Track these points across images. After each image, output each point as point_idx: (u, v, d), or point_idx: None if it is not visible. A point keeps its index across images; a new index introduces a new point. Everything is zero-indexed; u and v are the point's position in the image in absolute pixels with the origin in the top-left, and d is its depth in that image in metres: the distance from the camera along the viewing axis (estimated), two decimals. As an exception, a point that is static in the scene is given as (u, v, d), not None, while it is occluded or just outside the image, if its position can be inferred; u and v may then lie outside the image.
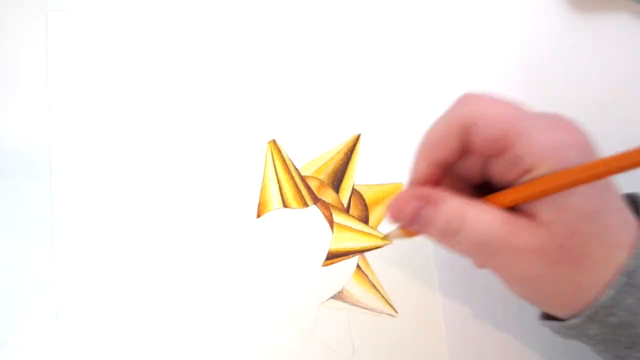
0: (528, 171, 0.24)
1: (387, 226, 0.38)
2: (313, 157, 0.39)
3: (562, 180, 0.23)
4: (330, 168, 0.38)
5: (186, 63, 0.40)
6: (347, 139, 0.39)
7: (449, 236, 0.26)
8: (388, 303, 0.37)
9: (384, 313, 0.37)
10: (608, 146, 0.39)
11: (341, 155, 0.39)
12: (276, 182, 0.38)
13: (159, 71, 0.40)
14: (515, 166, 0.24)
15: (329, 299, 0.37)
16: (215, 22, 0.41)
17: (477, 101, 0.25)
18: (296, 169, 0.38)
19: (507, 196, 0.25)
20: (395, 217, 0.27)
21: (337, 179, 0.38)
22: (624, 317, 0.25)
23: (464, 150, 0.26)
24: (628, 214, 0.26)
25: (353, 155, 0.39)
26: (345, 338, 0.37)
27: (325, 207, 0.38)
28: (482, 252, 0.26)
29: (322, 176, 0.38)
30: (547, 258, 0.24)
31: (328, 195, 0.38)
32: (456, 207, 0.25)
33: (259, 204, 0.38)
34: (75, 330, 0.36)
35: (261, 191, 0.38)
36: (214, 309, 0.37)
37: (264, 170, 0.38)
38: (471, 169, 0.27)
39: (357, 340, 0.37)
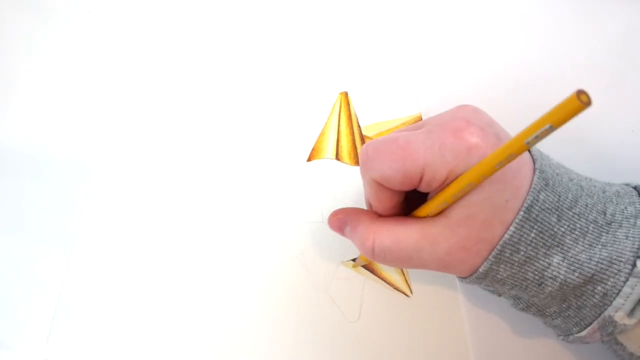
0: (443, 183, 0.27)
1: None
2: (379, 120, 0.39)
3: (454, 188, 0.26)
4: (391, 136, 0.38)
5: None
6: (415, 115, 0.39)
7: (369, 254, 0.29)
8: (406, 282, 0.37)
9: (399, 290, 0.37)
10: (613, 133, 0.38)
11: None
12: (336, 133, 0.38)
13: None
14: (432, 185, 0.27)
15: (351, 260, 0.37)
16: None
17: (371, 159, 0.28)
18: (359, 127, 0.39)
19: (426, 208, 0.28)
20: (330, 226, 0.33)
21: (394, 148, 0.38)
22: (528, 252, 0.26)
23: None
24: (528, 172, 0.27)
25: (417, 131, 0.39)
26: (355, 302, 0.37)
27: (375, 172, 0.38)
28: (410, 264, 0.29)
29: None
30: (470, 252, 0.27)
31: (381, 161, 0.38)
32: (365, 230, 0.29)
33: (313, 149, 0.38)
34: (76, 333, 0.37)
35: (319, 137, 0.38)
36: (237, 237, 0.37)
37: (328, 119, 0.39)
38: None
39: (365, 308, 0.37)
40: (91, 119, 0.40)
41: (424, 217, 0.28)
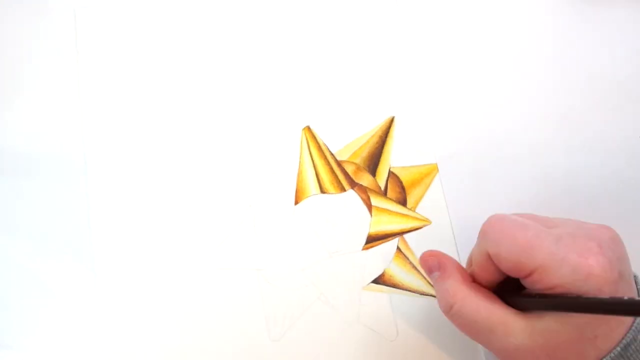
0: (547, 290, 0.27)
1: (424, 207, 0.38)
2: (348, 141, 0.39)
3: (556, 303, 0.26)
4: (365, 152, 0.38)
5: (217, 53, 0.40)
6: (381, 122, 0.39)
7: (443, 309, 0.30)
8: (429, 283, 0.37)
9: (425, 294, 0.37)
10: (622, 135, 0.39)
11: (376, 139, 0.39)
12: (312, 168, 0.38)
13: (191, 62, 0.40)
14: (536, 286, 0.27)
15: (370, 282, 0.37)
16: (245, 11, 0.41)
17: (494, 232, 0.28)
18: (332, 154, 0.38)
19: (517, 301, 0.28)
20: (421, 262, 0.33)
21: (373, 163, 0.38)
22: None
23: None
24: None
25: (388, 138, 0.39)
26: (388, 320, 0.37)
27: (363, 191, 0.38)
28: (474, 336, 0.29)
29: (358, 160, 0.38)
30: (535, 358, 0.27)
31: (365, 179, 0.38)
32: (452, 289, 0.30)
33: (297, 191, 0.38)
34: (76, 333, 0.36)
35: (298, 178, 0.38)
36: (256, 300, 0.37)
37: (300, 157, 0.38)
38: None
39: (400, 322, 0.37)
40: (91, 119, 0.39)
41: (509, 305, 0.28)
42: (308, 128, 0.39)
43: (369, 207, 0.38)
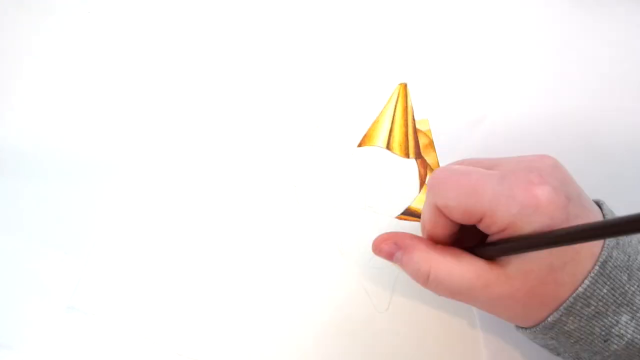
0: (502, 230, 0.27)
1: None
2: (433, 114, 0.39)
3: (519, 244, 0.26)
4: (445, 132, 0.38)
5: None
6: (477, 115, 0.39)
7: (421, 281, 0.30)
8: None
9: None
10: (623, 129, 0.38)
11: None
12: (390, 123, 0.38)
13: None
14: (490, 229, 0.28)
15: (387, 250, 0.37)
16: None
17: (439, 184, 0.29)
18: (413, 119, 0.39)
19: (484, 251, 0.29)
20: (376, 252, 0.33)
21: (446, 145, 0.38)
22: (598, 307, 0.26)
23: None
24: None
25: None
26: (385, 293, 0.37)
27: (423, 166, 0.38)
28: (457, 297, 0.29)
29: (434, 136, 0.38)
30: (519, 302, 0.28)
31: (431, 157, 0.38)
32: (422, 259, 0.29)
33: (365, 136, 0.38)
34: (77, 333, 0.36)
35: (372, 125, 0.39)
36: (281, 212, 0.38)
37: (384, 107, 0.39)
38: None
39: (395, 301, 0.37)
40: (95, 119, 0.40)
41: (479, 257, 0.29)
42: (405, 85, 0.39)
43: (422, 183, 0.38)
